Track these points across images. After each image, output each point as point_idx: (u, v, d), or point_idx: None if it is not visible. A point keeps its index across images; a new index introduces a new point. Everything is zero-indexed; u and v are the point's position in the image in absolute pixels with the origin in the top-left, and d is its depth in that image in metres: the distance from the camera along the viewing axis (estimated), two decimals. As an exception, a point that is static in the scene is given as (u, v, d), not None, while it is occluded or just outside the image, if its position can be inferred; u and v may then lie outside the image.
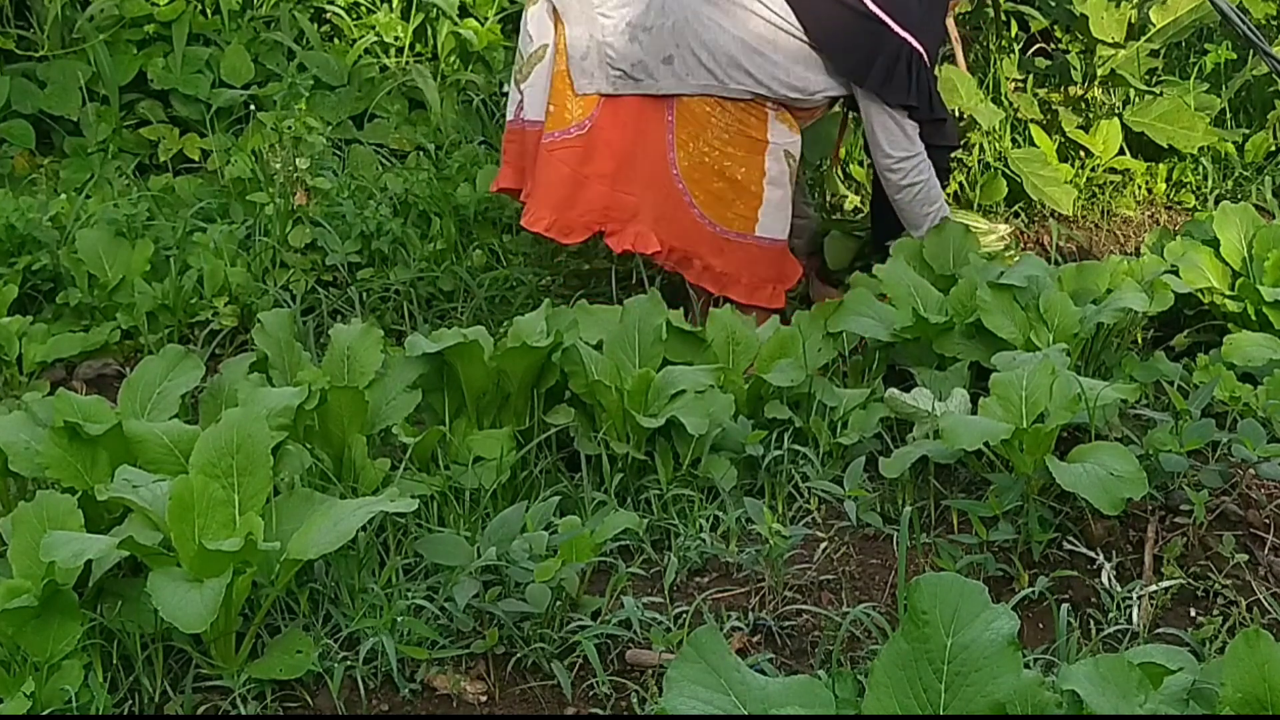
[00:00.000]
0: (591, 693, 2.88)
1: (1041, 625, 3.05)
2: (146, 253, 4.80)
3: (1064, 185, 5.31)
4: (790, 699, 2.29)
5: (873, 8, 4.35)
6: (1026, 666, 2.33)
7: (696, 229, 4.43)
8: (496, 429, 3.66)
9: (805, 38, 4.37)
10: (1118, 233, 5.52)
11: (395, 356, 3.75)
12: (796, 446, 3.63)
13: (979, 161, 5.43)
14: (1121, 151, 5.59)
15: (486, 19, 6.18)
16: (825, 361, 4.01)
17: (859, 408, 3.77)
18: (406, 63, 6.09)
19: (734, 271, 4.47)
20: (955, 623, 2.24)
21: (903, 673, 2.24)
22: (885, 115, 4.43)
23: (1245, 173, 5.69)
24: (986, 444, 3.27)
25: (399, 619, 2.93)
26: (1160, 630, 3.00)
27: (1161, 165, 5.68)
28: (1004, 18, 5.95)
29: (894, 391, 3.68)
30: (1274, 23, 6.18)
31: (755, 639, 3.00)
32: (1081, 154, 5.60)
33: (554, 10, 4.43)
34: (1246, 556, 3.20)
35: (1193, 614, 3.09)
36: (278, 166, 5.08)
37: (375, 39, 6.11)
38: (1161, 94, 5.59)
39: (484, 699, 2.87)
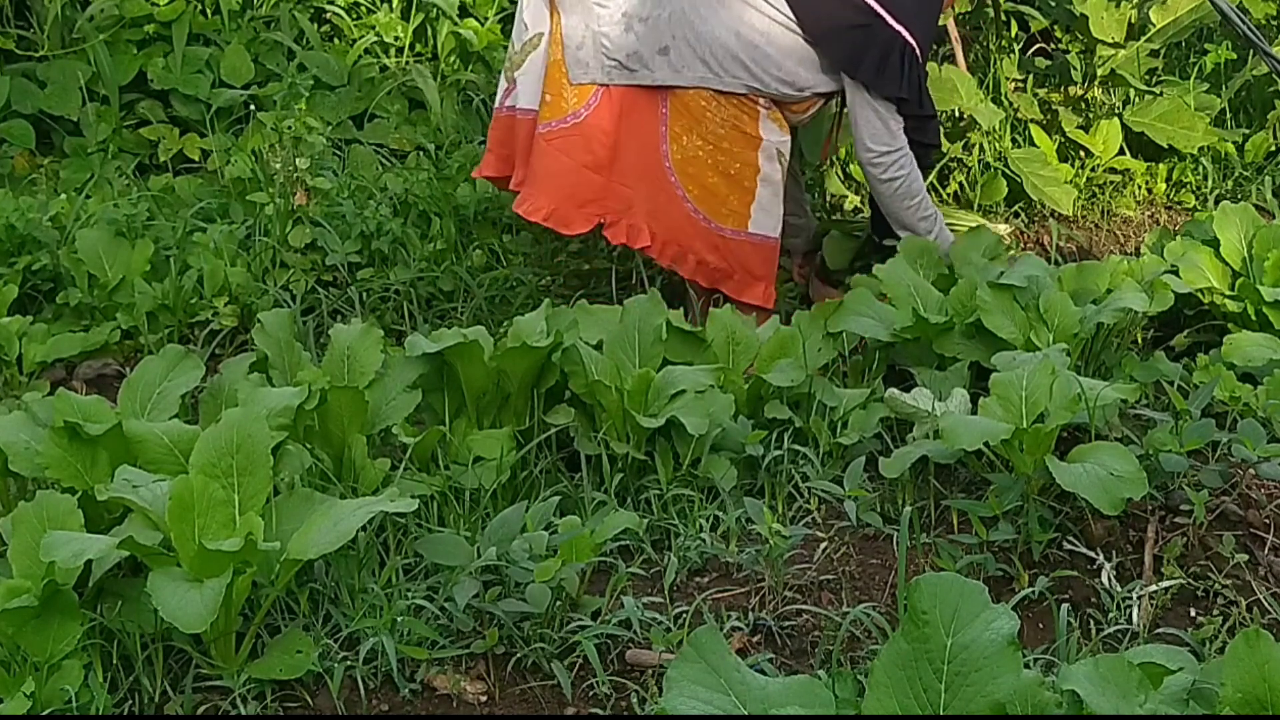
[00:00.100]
0: (591, 693, 2.88)
1: (1041, 625, 3.05)
2: (146, 253, 4.80)
3: (1064, 185, 5.31)
4: (790, 699, 2.29)
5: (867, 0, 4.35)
6: (1026, 666, 2.33)
7: (690, 223, 4.43)
8: (496, 429, 3.66)
9: (799, 30, 4.37)
10: (1118, 233, 5.52)
11: (395, 356, 3.75)
12: (796, 446, 3.63)
13: (979, 161, 5.44)
14: (1121, 151, 5.59)
15: (486, 19, 6.18)
16: (825, 361, 4.01)
17: (859, 408, 3.77)
18: (406, 63, 6.09)
19: (727, 267, 4.47)
20: (955, 623, 2.24)
21: (903, 673, 2.24)
22: (869, 109, 4.43)
23: (1245, 173, 5.69)
24: (986, 444, 3.27)
25: (399, 619, 2.93)
26: (1160, 630, 3.00)
27: (1161, 165, 5.68)
28: (1004, 18, 5.96)
29: (894, 391, 3.68)
30: (1274, 23, 6.18)
31: (755, 639, 3.00)
32: (1081, 154, 5.61)
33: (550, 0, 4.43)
34: (1246, 556, 3.20)
35: (1193, 614, 3.09)
36: (278, 166, 5.08)
37: (375, 39, 6.11)
38: (1161, 94, 5.59)
39: (484, 699, 2.87)
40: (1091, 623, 3.02)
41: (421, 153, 5.67)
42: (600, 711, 2.84)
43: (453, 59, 6.14)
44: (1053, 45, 6.07)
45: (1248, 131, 5.77)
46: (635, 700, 2.82)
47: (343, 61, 6.04)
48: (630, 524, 3.16)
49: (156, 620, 2.78)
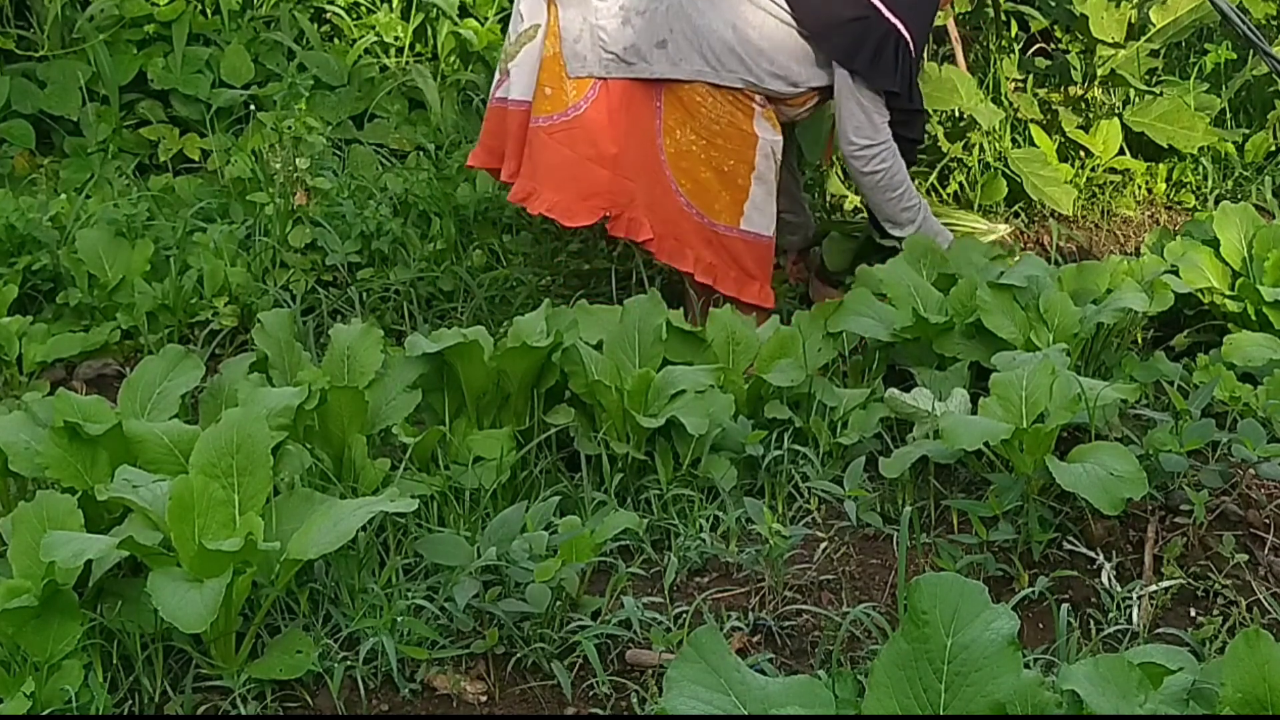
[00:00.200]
0: (591, 693, 2.88)
1: (1041, 625, 3.05)
2: (146, 253, 4.80)
3: (1064, 185, 5.31)
4: (790, 699, 2.28)
5: None
6: (1026, 666, 2.33)
7: (683, 216, 4.43)
8: (496, 429, 3.66)
9: (795, 24, 4.37)
10: (1118, 233, 5.52)
11: (395, 356, 3.75)
12: (796, 446, 3.63)
13: (979, 161, 5.44)
14: (1121, 151, 5.59)
15: (486, 19, 6.18)
16: (825, 361, 4.01)
17: (859, 408, 3.77)
18: (406, 63, 6.09)
19: (721, 263, 4.47)
20: (955, 623, 2.24)
21: (903, 673, 2.24)
22: (854, 102, 4.43)
23: (1245, 173, 5.69)
24: (986, 444, 3.27)
25: (399, 619, 2.93)
26: (1160, 630, 3.00)
27: (1161, 165, 5.68)
28: (1004, 18, 5.95)
29: (894, 391, 3.68)
30: (1274, 23, 6.18)
31: (755, 639, 3.00)
32: (1081, 154, 5.61)
33: None
34: (1246, 556, 3.20)
35: (1193, 614, 3.09)
36: (278, 166, 5.08)
37: (375, 39, 6.12)
38: (1161, 94, 5.59)
39: (484, 699, 2.87)
40: (1091, 623, 3.02)
41: (421, 153, 5.67)
42: (600, 711, 2.84)
43: (453, 59, 6.15)
44: (1053, 45, 6.07)
45: (1248, 131, 5.77)
46: (635, 700, 2.82)
47: (343, 61, 6.04)
48: (630, 524, 3.16)
49: (156, 620, 2.78)
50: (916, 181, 5.36)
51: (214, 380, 3.65)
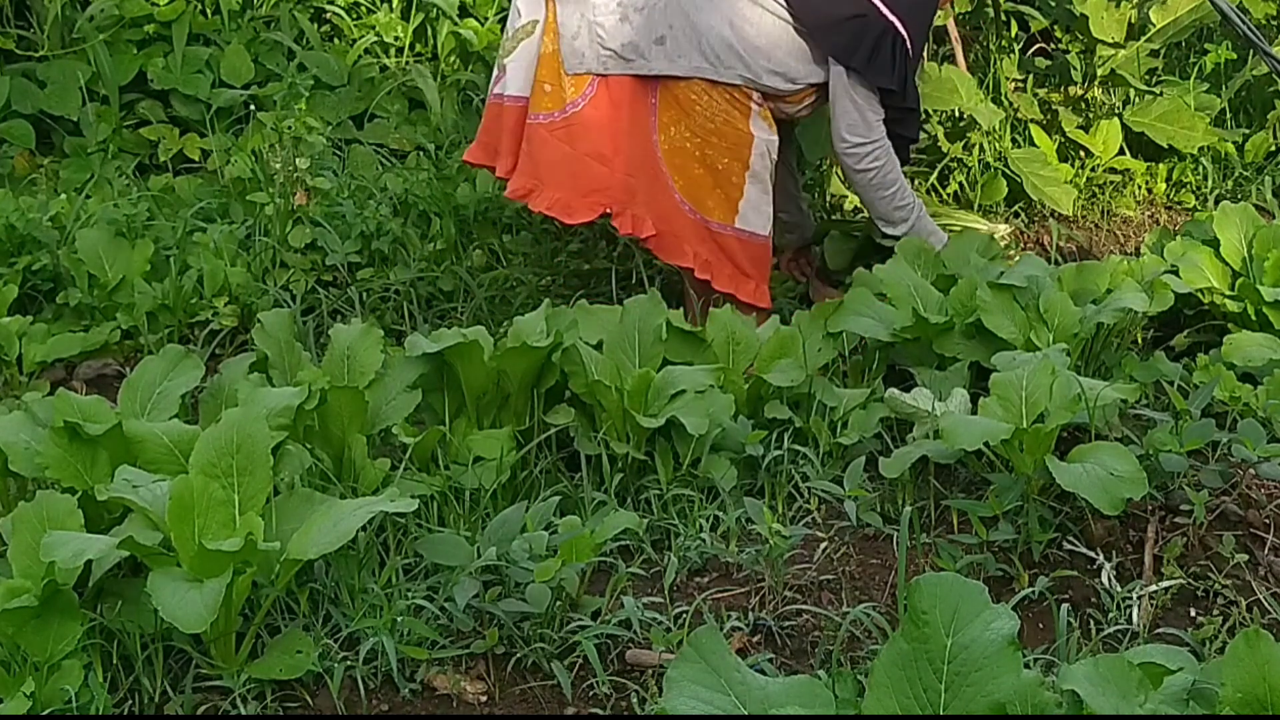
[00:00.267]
0: (591, 693, 2.88)
1: (1041, 625, 3.05)
2: (146, 253, 4.80)
3: (1064, 185, 5.31)
4: (790, 699, 2.28)
5: None
6: (1026, 666, 2.33)
7: (678, 212, 4.44)
8: (496, 429, 3.66)
9: (791, 19, 4.37)
10: (1118, 233, 5.52)
11: (395, 356, 3.75)
12: (796, 446, 3.63)
13: (979, 161, 5.44)
14: (1121, 151, 5.59)
15: (486, 19, 6.18)
16: (825, 361, 4.01)
17: (859, 408, 3.77)
18: (406, 63, 6.09)
19: (716, 261, 4.47)
20: (955, 623, 2.24)
21: (903, 673, 2.24)
22: (849, 100, 4.43)
23: (1245, 173, 5.69)
24: (986, 444, 3.27)
25: (399, 619, 2.93)
26: (1160, 630, 3.00)
27: (1161, 165, 5.68)
28: (1004, 18, 5.95)
29: (894, 391, 3.68)
30: (1274, 23, 6.18)
31: (755, 639, 3.00)
32: (1081, 154, 5.60)
33: None
34: (1246, 556, 3.20)
35: (1193, 614, 3.09)
36: (278, 166, 5.09)
37: (375, 39, 6.12)
38: (1161, 94, 5.59)
39: (484, 699, 2.87)
40: (1091, 623, 3.02)
41: (421, 153, 5.67)
42: (600, 711, 2.84)
43: (453, 59, 6.15)
44: (1053, 45, 6.07)
45: (1248, 131, 5.77)
46: (635, 700, 2.82)
47: (343, 61, 6.04)
48: (630, 524, 3.16)
49: (156, 620, 2.78)
50: (916, 182, 5.37)
51: (214, 380, 3.65)
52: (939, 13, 4.83)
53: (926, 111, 5.18)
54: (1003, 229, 5.16)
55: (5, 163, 5.63)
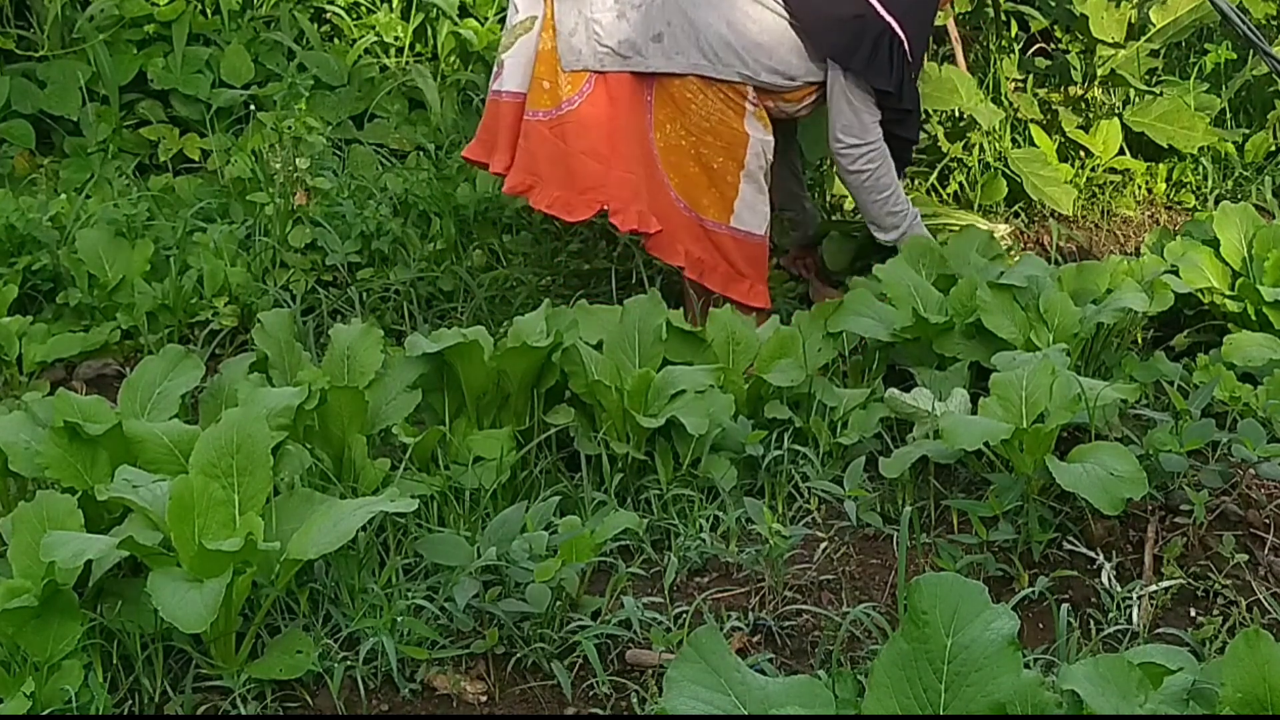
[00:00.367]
0: (591, 693, 2.88)
1: (1041, 625, 3.05)
2: (146, 253, 4.80)
3: (1064, 185, 5.31)
4: (790, 699, 2.28)
5: None
6: (1026, 666, 2.33)
7: (673, 210, 4.44)
8: (496, 429, 3.66)
9: (789, 17, 4.37)
10: (1118, 233, 5.52)
11: (395, 356, 3.75)
12: (796, 446, 3.63)
13: (979, 161, 5.44)
14: (1121, 151, 5.59)
15: (486, 19, 6.18)
16: (825, 361, 4.01)
17: (859, 408, 3.77)
18: (406, 63, 6.09)
19: (710, 260, 4.47)
20: (955, 623, 2.24)
21: (903, 673, 2.24)
22: (844, 101, 4.43)
23: (1245, 173, 5.69)
24: (986, 444, 3.27)
25: (399, 619, 2.93)
26: (1160, 630, 3.00)
27: (1161, 165, 5.68)
28: (1004, 18, 5.95)
29: (894, 391, 3.68)
30: (1274, 23, 6.18)
31: (755, 639, 3.00)
32: (1081, 154, 5.60)
33: None
34: (1246, 556, 3.20)
35: (1193, 614, 3.09)
36: (278, 166, 5.09)
37: (375, 39, 6.12)
38: (1161, 94, 5.59)
39: (484, 699, 2.87)
40: (1091, 623, 3.02)
41: (421, 153, 5.67)
42: (600, 711, 2.84)
43: (453, 59, 6.15)
44: (1053, 45, 6.07)
45: (1248, 131, 5.77)
46: (635, 700, 2.82)
47: (343, 61, 6.04)
48: (630, 524, 3.16)
49: (156, 620, 2.78)
50: (916, 181, 5.36)
51: (214, 380, 3.65)
52: (939, 13, 4.83)
53: (926, 111, 5.17)
54: (1003, 229, 5.16)
55: (5, 163, 5.63)
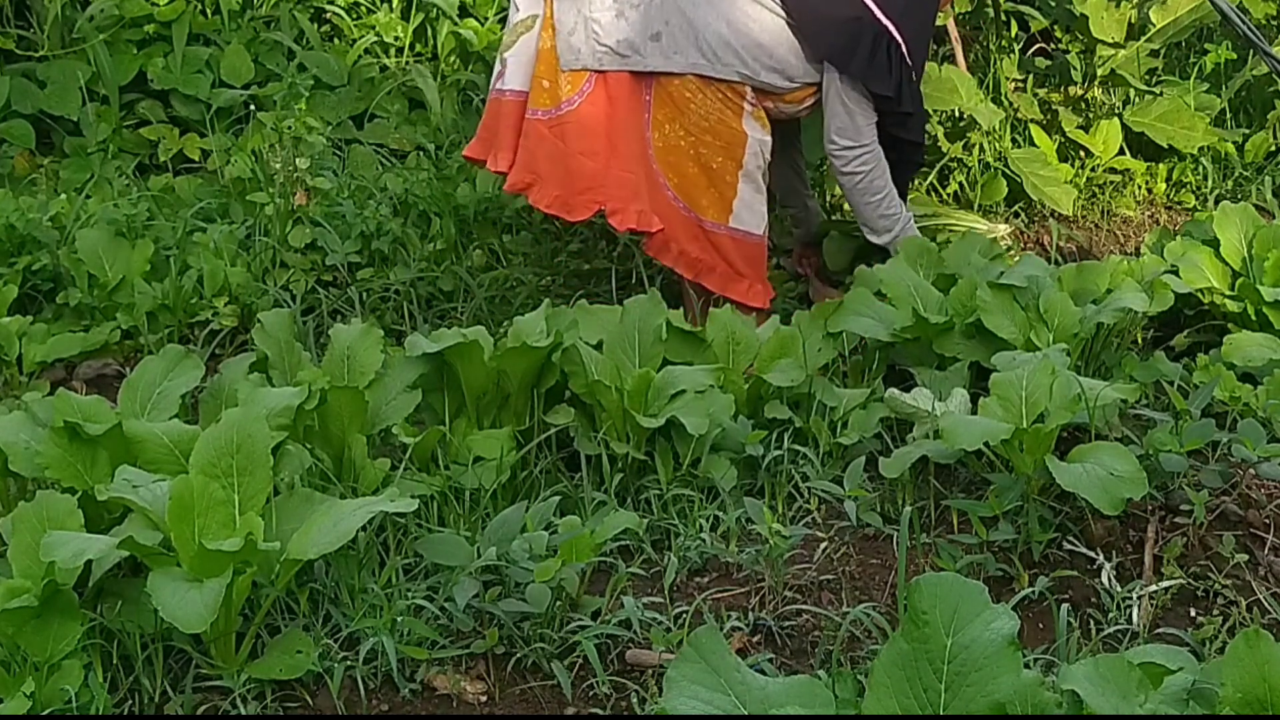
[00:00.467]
0: (591, 693, 2.88)
1: (1041, 625, 3.05)
2: (146, 253, 4.80)
3: (1064, 185, 5.31)
4: (790, 699, 2.28)
5: None
6: (1026, 666, 2.33)
7: (671, 210, 4.44)
8: (496, 429, 3.66)
9: (787, 18, 4.38)
10: (1118, 233, 5.52)
11: (395, 356, 3.75)
12: (796, 446, 3.63)
13: (979, 161, 5.44)
14: (1121, 151, 5.59)
15: (486, 19, 6.18)
16: (825, 361, 4.01)
17: (859, 408, 3.77)
18: (406, 63, 6.09)
19: (708, 260, 4.47)
20: (955, 623, 2.24)
21: (903, 673, 2.24)
22: (840, 103, 4.44)
23: (1245, 173, 5.69)
24: (986, 444, 3.27)
25: (399, 619, 2.93)
26: (1160, 630, 3.00)
27: (1161, 165, 5.68)
28: (1004, 18, 5.95)
29: (894, 391, 3.68)
30: (1274, 23, 6.18)
31: (755, 639, 3.00)
32: (1081, 154, 5.61)
33: None
34: (1246, 556, 3.20)
35: (1193, 614, 3.09)
36: (278, 166, 5.09)
37: (375, 39, 6.12)
38: (1161, 94, 5.59)
39: (484, 699, 2.87)
40: (1091, 623, 3.02)
41: (421, 153, 5.67)
42: (600, 711, 2.84)
43: (453, 59, 6.15)
44: (1053, 45, 6.07)
45: (1248, 131, 5.77)
46: (635, 700, 2.82)
47: (343, 61, 6.05)
48: (630, 524, 3.16)
49: (156, 620, 2.78)
50: (916, 181, 5.36)
51: (214, 380, 3.65)
52: (939, 14, 4.82)
53: (927, 112, 5.17)
54: (1003, 229, 5.16)
55: (5, 163, 5.63)
